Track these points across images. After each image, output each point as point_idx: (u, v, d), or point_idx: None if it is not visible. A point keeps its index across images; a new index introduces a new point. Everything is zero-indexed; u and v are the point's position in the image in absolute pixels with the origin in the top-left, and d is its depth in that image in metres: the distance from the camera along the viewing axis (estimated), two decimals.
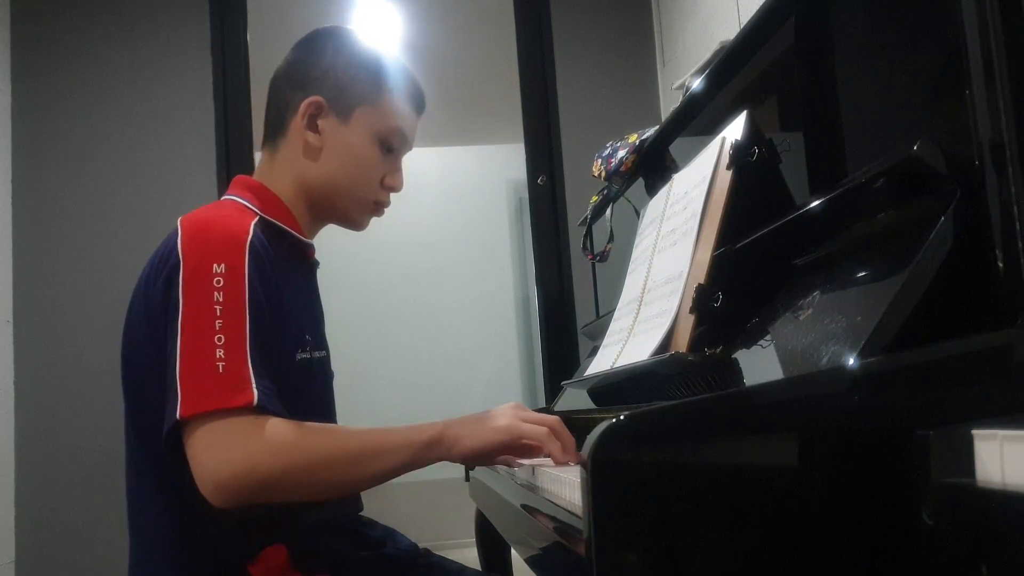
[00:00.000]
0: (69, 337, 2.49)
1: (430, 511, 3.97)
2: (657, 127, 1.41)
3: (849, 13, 0.86)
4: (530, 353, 4.55)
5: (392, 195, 1.20)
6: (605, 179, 1.50)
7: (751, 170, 0.91)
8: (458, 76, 3.91)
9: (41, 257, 2.52)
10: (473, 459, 0.95)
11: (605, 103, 2.73)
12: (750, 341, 0.84)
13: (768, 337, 0.81)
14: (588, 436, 0.56)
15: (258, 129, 1.19)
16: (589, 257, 1.72)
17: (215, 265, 0.91)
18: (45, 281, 2.51)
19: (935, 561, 0.52)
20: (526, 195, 2.89)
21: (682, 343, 0.87)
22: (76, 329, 2.49)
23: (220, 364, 0.87)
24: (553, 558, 0.75)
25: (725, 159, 0.93)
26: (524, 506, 0.91)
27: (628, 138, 1.46)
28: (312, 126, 1.11)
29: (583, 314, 2.59)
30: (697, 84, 1.22)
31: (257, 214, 1.04)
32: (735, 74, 1.12)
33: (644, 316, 1.02)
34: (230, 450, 0.85)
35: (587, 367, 1.29)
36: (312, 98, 1.10)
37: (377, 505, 1.37)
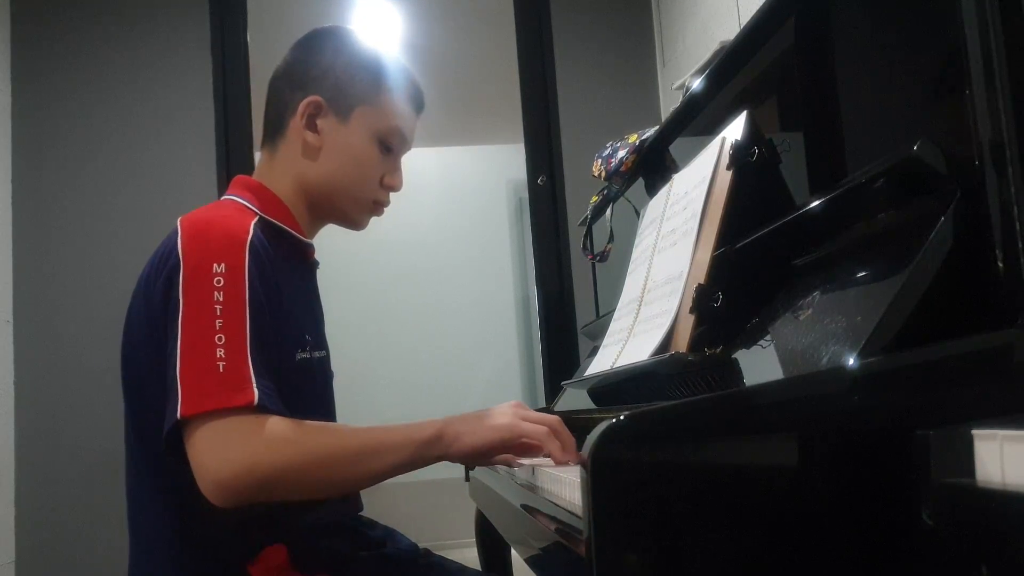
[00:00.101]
0: (69, 337, 2.49)
1: (430, 511, 3.97)
2: (657, 127, 1.41)
3: (849, 13, 0.86)
4: (530, 353, 4.55)
5: (392, 195, 1.20)
6: (605, 179, 1.50)
7: (751, 170, 0.91)
8: (458, 76, 3.91)
9: (41, 257, 2.52)
10: (472, 457, 0.95)
11: (605, 103, 2.73)
12: (750, 341, 0.84)
13: (768, 337, 0.81)
14: (588, 436, 0.56)
15: (258, 129, 1.19)
16: (589, 257, 1.72)
17: (215, 265, 0.91)
18: (45, 281, 2.51)
19: (935, 561, 0.52)
20: (526, 195, 2.89)
21: (682, 343, 0.87)
22: (76, 329, 2.49)
23: (220, 364, 0.87)
24: (553, 558, 0.75)
25: (725, 159, 0.93)
26: (524, 506, 0.91)
27: (628, 138, 1.46)
28: (311, 126, 1.11)
29: (583, 314, 2.59)
30: (697, 84, 1.22)
31: (257, 214, 1.04)
32: (735, 74, 1.12)
33: (644, 316, 1.02)
34: (231, 449, 0.85)
35: (587, 367, 1.29)
36: (311, 98, 1.10)
37: (377, 505, 1.37)
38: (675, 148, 1.35)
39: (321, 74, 1.11)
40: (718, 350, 0.85)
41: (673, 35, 2.61)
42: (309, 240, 1.15)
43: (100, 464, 2.37)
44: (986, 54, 0.62)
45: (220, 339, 0.88)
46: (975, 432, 0.48)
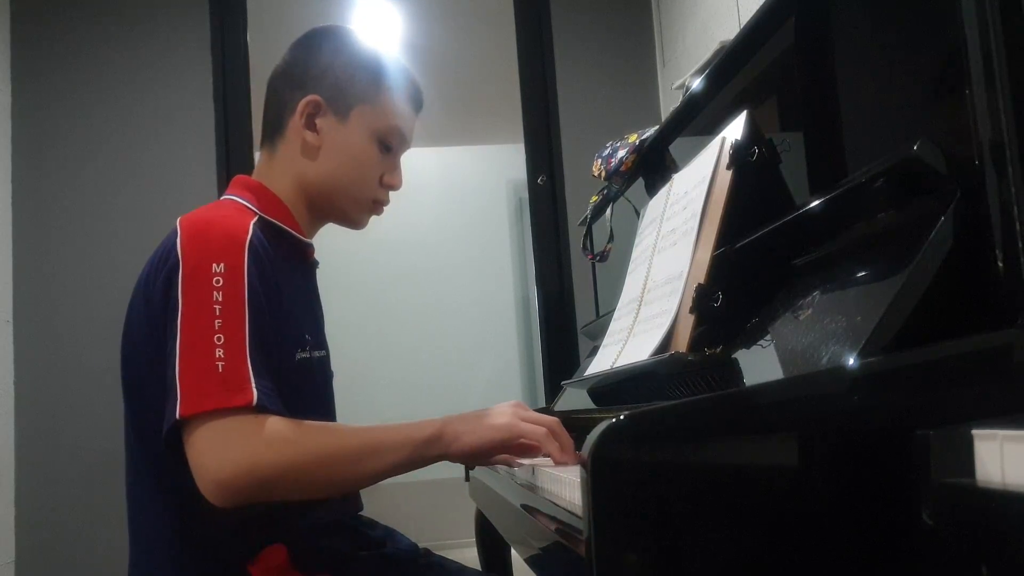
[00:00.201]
0: (69, 337, 2.49)
1: (430, 511, 3.97)
2: (657, 127, 1.41)
3: (849, 13, 0.86)
4: (530, 353, 4.55)
5: (392, 194, 1.20)
6: (605, 179, 1.50)
7: (751, 170, 0.91)
8: (458, 76, 3.91)
9: (41, 257, 2.52)
10: (472, 457, 0.95)
11: (605, 103, 2.73)
12: (750, 341, 0.84)
13: (768, 337, 0.81)
14: (588, 436, 0.56)
15: (258, 129, 1.19)
16: (589, 257, 1.72)
17: (214, 265, 0.91)
18: (45, 281, 2.51)
19: (935, 561, 0.52)
20: (526, 195, 2.89)
21: (682, 343, 0.87)
22: (76, 329, 2.49)
23: (220, 364, 0.87)
24: (553, 558, 0.75)
25: (725, 159, 0.93)
26: (524, 506, 0.91)
27: (628, 138, 1.46)
28: (310, 125, 1.11)
29: (583, 314, 2.59)
30: (697, 84, 1.22)
31: (256, 214, 1.04)
32: (735, 74, 1.12)
33: (644, 316, 1.02)
34: (230, 449, 0.85)
35: (587, 367, 1.29)
36: (310, 97, 1.10)
37: (377, 505, 1.37)
38: (675, 148, 1.35)
39: (320, 73, 1.11)
40: (718, 350, 0.85)
41: (673, 35, 2.61)
42: (309, 240, 1.15)
43: (100, 464, 2.37)
44: (986, 54, 0.62)
45: (219, 339, 0.88)
46: (975, 432, 0.48)
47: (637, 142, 1.43)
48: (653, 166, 1.41)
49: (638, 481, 0.55)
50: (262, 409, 0.87)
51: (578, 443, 0.94)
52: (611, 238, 1.58)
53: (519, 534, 1.00)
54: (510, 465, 1.03)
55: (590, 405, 1.33)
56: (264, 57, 1.25)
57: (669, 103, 2.67)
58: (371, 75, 1.13)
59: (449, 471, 1.28)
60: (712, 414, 0.59)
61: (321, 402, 1.13)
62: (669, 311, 0.91)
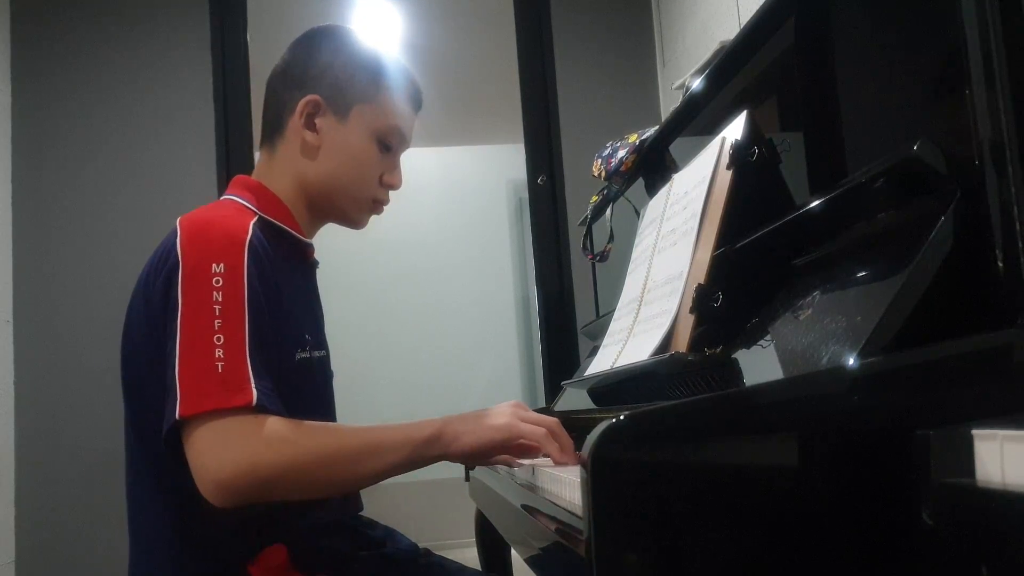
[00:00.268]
0: (69, 337, 2.49)
1: (430, 511, 3.97)
2: (657, 127, 1.41)
3: (849, 13, 0.86)
4: (530, 353, 4.55)
5: (392, 194, 1.20)
6: (605, 179, 1.50)
7: (751, 170, 0.91)
8: (458, 76, 3.91)
9: (41, 257, 2.52)
10: (471, 457, 0.95)
11: (605, 103, 2.73)
12: (750, 341, 0.84)
13: (768, 337, 0.81)
14: (588, 436, 0.56)
15: (258, 129, 1.19)
16: (589, 257, 1.72)
17: (214, 265, 0.91)
18: (45, 281, 2.51)
19: (935, 561, 0.52)
20: (526, 195, 2.89)
21: (682, 343, 0.87)
22: (76, 329, 2.49)
23: (219, 364, 0.87)
24: (553, 558, 0.75)
25: (725, 159, 0.93)
26: (524, 506, 0.91)
27: (628, 138, 1.46)
28: (310, 125, 1.11)
29: (583, 314, 2.59)
30: (697, 84, 1.22)
31: (256, 214, 1.04)
32: (735, 74, 1.12)
33: (644, 316, 1.02)
34: (230, 449, 0.85)
35: (587, 367, 1.29)
36: (309, 97, 1.10)
37: (377, 505, 1.37)
38: (675, 148, 1.35)
39: (319, 73, 1.11)
40: (718, 350, 0.85)
41: (673, 35, 2.61)
42: (308, 240, 1.15)
43: (100, 464, 2.37)
44: (986, 54, 0.62)
45: (219, 339, 0.88)
46: (975, 432, 0.48)
47: (637, 142, 1.43)
48: (653, 166, 1.41)
49: (638, 481, 0.55)
50: (262, 409, 0.87)
51: (578, 443, 0.93)
52: (611, 238, 1.58)
53: (519, 534, 1.00)
54: (510, 465, 1.03)
55: (590, 405, 1.33)
56: (264, 57, 1.25)
57: (669, 103, 2.67)
58: (370, 74, 1.13)
59: (449, 471, 1.28)
60: (712, 414, 0.59)
61: (321, 402, 1.13)
62: (669, 311, 0.91)
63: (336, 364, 1.19)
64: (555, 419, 0.96)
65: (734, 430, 0.57)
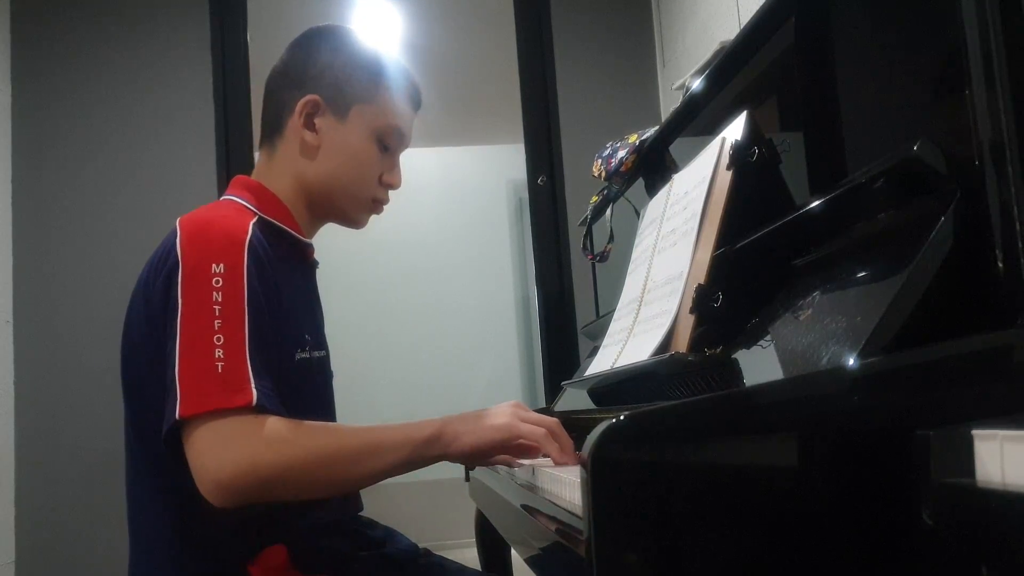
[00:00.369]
0: (69, 337, 2.49)
1: (430, 511, 3.97)
2: (657, 127, 1.41)
3: (849, 13, 0.86)
4: (530, 353, 4.55)
5: (392, 194, 1.20)
6: (605, 179, 1.50)
7: (751, 170, 0.91)
8: (458, 76, 3.91)
9: (41, 257, 2.52)
10: (471, 457, 0.95)
11: (605, 103, 2.73)
12: (750, 341, 0.84)
13: (768, 337, 0.81)
14: (588, 436, 0.56)
15: (258, 129, 1.19)
16: (589, 257, 1.72)
17: (214, 265, 0.91)
18: (45, 281, 2.51)
19: (935, 561, 0.52)
20: (526, 195, 2.89)
21: (682, 343, 0.87)
22: (76, 329, 2.49)
23: (219, 364, 0.87)
24: (553, 558, 0.75)
25: (725, 159, 0.93)
26: (524, 506, 0.91)
27: (628, 138, 1.46)
28: (309, 125, 1.11)
29: (583, 314, 2.59)
30: (697, 84, 1.22)
31: (256, 214, 1.04)
32: (735, 74, 1.12)
33: (644, 316, 1.02)
34: (230, 450, 0.85)
35: (587, 367, 1.29)
36: (309, 97, 1.10)
37: (377, 505, 1.37)
38: (675, 148, 1.35)
39: (318, 73, 1.11)
40: (718, 350, 0.85)
41: (673, 35, 2.61)
42: (308, 240, 1.15)
43: (100, 464, 2.37)
44: (986, 54, 0.62)
45: (219, 339, 0.88)
46: (975, 432, 0.48)
47: (637, 142, 1.43)
48: (653, 166, 1.41)
49: (638, 481, 0.55)
50: (262, 409, 0.87)
51: (578, 443, 0.94)
52: (611, 238, 1.58)
53: (519, 534, 1.00)
54: (510, 465, 1.03)
55: (590, 405, 1.33)
56: (264, 57, 1.25)
57: (669, 103, 2.67)
58: (369, 74, 1.13)
59: (449, 471, 1.28)
60: (712, 414, 0.59)
61: (321, 402, 1.13)
62: (669, 311, 0.91)
63: (336, 364, 1.18)
64: (555, 419, 0.96)
65: (734, 430, 0.57)
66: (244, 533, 0.97)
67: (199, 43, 2.65)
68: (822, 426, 0.56)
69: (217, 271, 0.91)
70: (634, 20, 2.80)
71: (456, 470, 1.28)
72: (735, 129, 0.94)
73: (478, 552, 1.78)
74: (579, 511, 0.61)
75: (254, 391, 0.87)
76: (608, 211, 1.59)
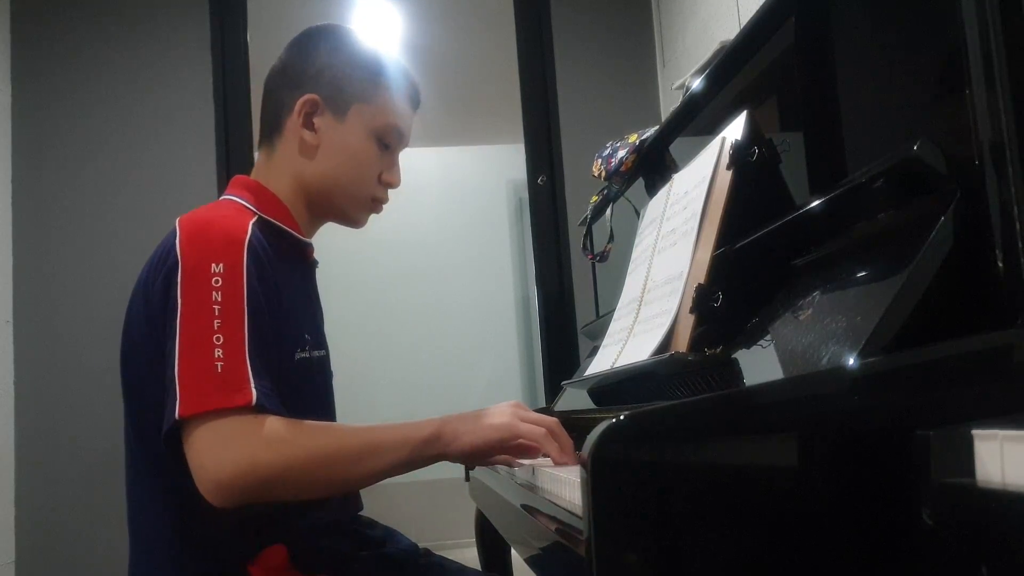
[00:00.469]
0: (69, 337, 2.49)
1: (430, 511, 3.97)
2: (657, 127, 1.41)
3: (849, 13, 0.86)
4: (530, 353, 4.55)
5: (392, 194, 1.20)
6: (605, 179, 1.50)
7: (751, 170, 0.91)
8: (458, 76, 3.91)
9: (41, 257, 2.52)
10: (470, 456, 0.95)
11: (605, 103, 2.73)
12: (750, 341, 0.84)
13: (768, 337, 0.81)
14: (588, 436, 0.56)
15: (258, 129, 1.19)
16: (589, 257, 1.72)
17: (213, 265, 0.91)
18: (45, 281, 2.51)
19: (935, 561, 0.52)
20: (526, 195, 2.89)
21: (682, 343, 0.87)
22: (76, 329, 2.49)
23: (219, 364, 0.87)
24: (553, 558, 0.75)
25: (725, 159, 0.93)
26: (524, 506, 0.91)
27: (628, 138, 1.46)
28: (308, 124, 1.11)
29: (583, 314, 2.59)
30: (697, 84, 1.22)
31: (255, 214, 1.04)
32: (735, 74, 1.12)
33: (644, 316, 1.02)
34: (230, 449, 0.85)
35: (587, 367, 1.29)
36: (307, 96, 1.10)
37: (377, 505, 1.37)
38: (675, 148, 1.35)
39: (317, 72, 1.11)
40: (718, 350, 0.85)
41: (673, 35, 2.61)
42: (308, 239, 1.15)
43: (100, 464, 2.37)
44: (986, 54, 0.62)
45: (218, 339, 0.88)
46: (975, 432, 0.48)
47: (637, 142, 1.43)
48: (653, 166, 1.41)
49: (638, 481, 0.55)
50: (261, 409, 0.87)
51: (578, 443, 0.94)
52: (611, 238, 1.58)
53: (519, 534, 1.00)
54: (510, 465, 1.03)
55: (590, 405, 1.33)
56: (264, 57, 1.25)
57: (669, 103, 2.67)
58: (368, 73, 1.13)
59: (449, 471, 1.28)
60: (712, 414, 0.59)
61: (321, 402, 1.13)
62: (669, 311, 0.91)
63: (336, 364, 1.18)
64: (555, 419, 0.96)
65: (734, 430, 0.57)
66: (244, 533, 0.97)
67: (199, 43, 2.65)
68: (822, 426, 0.56)
69: (217, 271, 0.91)
70: (634, 20, 2.80)
71: (456, 470, 1.28)
72: (735, 129, 0.94)
73: (478, 552, 1.78)
74: (579, 511, 0.61)
75: (254, 391, 0.87)
76: (608, 211, 1.59)
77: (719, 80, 1.16)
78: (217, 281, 0.91)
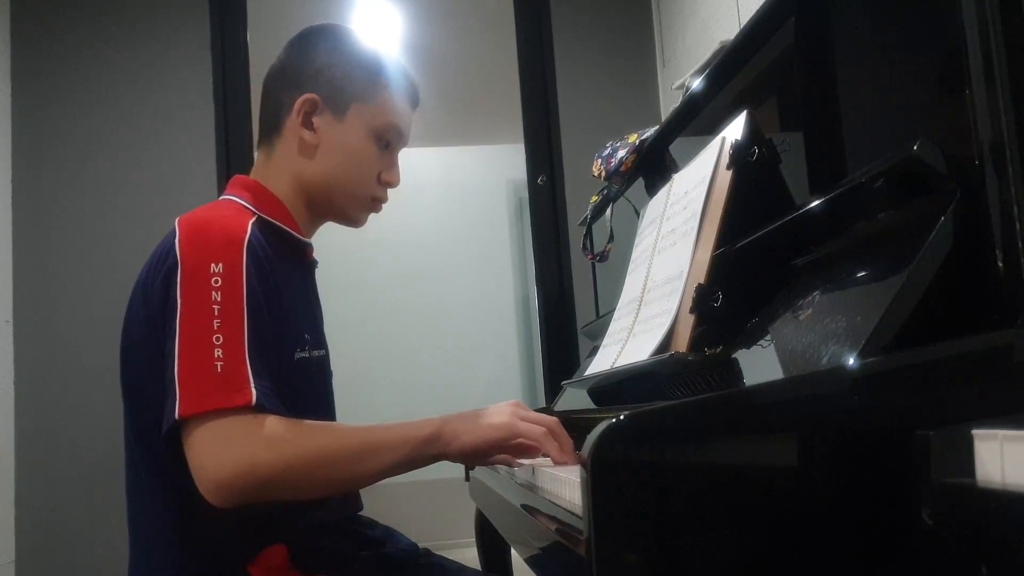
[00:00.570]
0: (69, 337, 2.49)
1: (430, 511, 3.97)
2: (657, 127, 1.41)
3: (849, 13, 0.86)
4: (530, 353, 4.55)
5: (392, 194, 1.20)
6: (605, 179, 1.50)
7: (751, 170, 0.91)
8: (458, 76, 3.91)
9: (41, 257, 2.52)
10: (470, 456, 0.94)
11: (605, 103, 2.73)
12: (750, 341, 0.84)
13: (768, 337, 0.81)
14: (588, 436, 0.56)
15: (257, 129, 1.19)
16: (589, 257, 1.72)
17: (213, 265, 0.91)
18: (45, 281, 2.51)
19: (935, 561, 0.52)
20: (526, 195, 2.89)
21: (682, 343, 0.87)
22: (76, 329, 2.49)
23: (218, 364, 0.87)
24: (553, 558, 0.75)
25: (725, 159, 0.93)
26: (524, 506, 0.91)
27: (628, 138, 1.46)
28: (307, 124, 1.11)
29: (583, 314, 2.59)
30: (697, 84, 1.22)
31: (255, 213, 1.04)
32: (735, 74, 1.12)
33: (644, 316, 1.02)
34: (230, 449, 0.85)
35: (587, 367, 1.29)
36: (307, 96, 1.10)
37: (377, 505, 1.37)
38: (675, 148, 1.35)
39: (316, 72, 1.11)
40: (718, 350, 0.85)
41: (673, 35, 2.61)
42: (307, 239, 1.15)
43: (100, 464, 2.37)
44: (986, 54, 0.62)
45: (218, 339, 0.88)
46: (975, 432, 0.48)
47: (637, 142, 1.43)
48: (653, 166, 1.41)
49: (638, 481, 0.55)
50: (261, 409, 0.87)
51: (578, 443, 0.93)
52: (611, 238, 1.58)
53: (519, 534, 1.00)
54: (510, 465, 1.03)
55: (590, 405, 1.33)
56: (264, 57, 1.25)
57: (669, 103, 2.67)
58: (367, 73, 1.13)
59: (449, 471, 1.28)
60: (712, 414, 0.59)
61: (321, 402, 1.13)
62: (669, 311, 0.91)
63: (336, 364, 1.18)
64: (555, 418, 0.96)
65: (734, 430, 0.57)
66: (244, 533, 0.97)
67: (199, 43, 2.65)
68: (822, 426, 0.56)
69: (216, 271, 0.91)
70: (634, 20, 2.80)
71: (456, 470, 1.28)
72: (735, 129, 0.94)
73: (478, 552, 1.78)
74: (579, 511, 0.61)
75: (253, 391, 0.87)
76: (608, 211, 1.59)
77: (719, 80, 1.16)
78: (217, 281, 0.91)
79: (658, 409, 0.58)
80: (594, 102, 2.73)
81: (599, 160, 1.50)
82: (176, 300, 0.90)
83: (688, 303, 0.88)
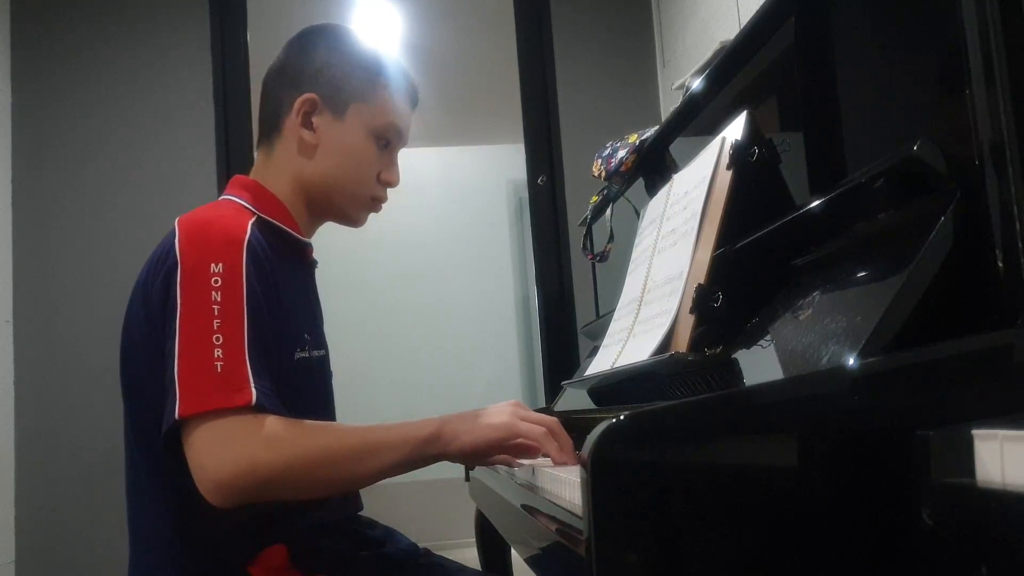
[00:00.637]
0: (69, 337, 2.49)
1: (430, 511, 3.97)
2: (657, 127, 1.41)
3: (849, 13, 0.86)
4: (530, 353, 4.55)
5: (391, 194, 1.20)
6: (605, 179, 1.50)
7: (751, 170, 0.91)
8: (458, 76, 3.91)
9: (41, 257, 2.52)
10: (470, 456, 0.94)
11: (605, 103, 2.73)
12: (750, 341, 0.84)
13: (768, 337, 0.81)
14: (588, 436, 0.56)
15: (257, 129, 1.19)
16: (589, 257, 1.72)
17: (213, 265, 0.91)
18: (45, 281, 2.51)
19: (935, 561, 0.52)
20: (526, 195, 2.89)
21: (682, 343, 0.87)
22: (76, 329, 2.49)
23: (218, 364, 0.87)
24: (553, 558, 0.75)
25: (725, 159, 0.93)
26: (524, 506, 0.91)
27: (628, 138, 1.46)
28: (307, 124, 1.11)
29: (583, 314, 2.59)
30: (697, 84, 1.22)
31: (255, 213, 1.04)
32: (735, 74, 1.12)
33: (644, 316, 1.02)
34: (230, 449, 0.85)
35: (587, 367, 1.29)
36: (306, 96, 1.10)
37: (377, 505, 1.37)
38: (675, 148, 1.35)
39: (315, 72, 1.11)
40: (718, 350, 0.85)
41: (673, 35, 2.61)
42: (307, 239, 1.15)
43: (100, 464, 2.37)
44: (986, 54, 0.62)
45: (218, 339, 0.88)
46: (975, 432, 0.48)
47: (637, 142, 1.43)
48: (653, 166, 1.41)
49: (638, 481, 0.55)
50: (261, 409, 0.87)
51: (578, 443, 0.93)
52: (611, 238, 1.58)
53: (519, 534, 1.00)
54: (510, 465, 1.03)
55: (590, 405, 1.33)
56: (264, 57, 1.25)
57: (669, 103, 2.67)
58: (366, 72, 1.13)
59: (449, 471, 1.28)
60: (712, 414, 0.59)
61: (321, 402, 1.13)
62: (669, 311, 0.91)
63: (336, 364, 1.18)
64: (554, 418, 0.96)
65: (734, 430, 0.57)
66: (244, 533, 0.97)
67: (199, 43, 2.65)
68: (822, 426, 0.56)
69: (216, 271, 0.91)
70: (634, 20, 2.80)
71: (456, 470, 1.28)
72: (735, 129, 0.94)
73: (478, 552, 1.78)
74: (579, 511, 0.61)
75: (253, 391, 0.87)
76: (608, 211, 1.59)
77: (719, 80, 1.16)
78: (216, 281, 0.91)
79: (658, 409, 0.58)
80: (594, 102, 2.73)
81: (599, 160, 1.50)
82: (176, 300, 0.90)
83: (688, 303, 0.88)
